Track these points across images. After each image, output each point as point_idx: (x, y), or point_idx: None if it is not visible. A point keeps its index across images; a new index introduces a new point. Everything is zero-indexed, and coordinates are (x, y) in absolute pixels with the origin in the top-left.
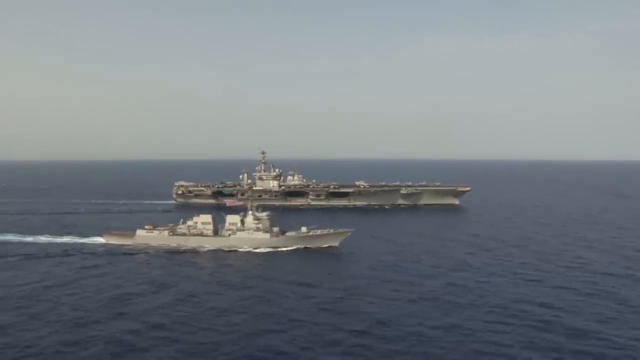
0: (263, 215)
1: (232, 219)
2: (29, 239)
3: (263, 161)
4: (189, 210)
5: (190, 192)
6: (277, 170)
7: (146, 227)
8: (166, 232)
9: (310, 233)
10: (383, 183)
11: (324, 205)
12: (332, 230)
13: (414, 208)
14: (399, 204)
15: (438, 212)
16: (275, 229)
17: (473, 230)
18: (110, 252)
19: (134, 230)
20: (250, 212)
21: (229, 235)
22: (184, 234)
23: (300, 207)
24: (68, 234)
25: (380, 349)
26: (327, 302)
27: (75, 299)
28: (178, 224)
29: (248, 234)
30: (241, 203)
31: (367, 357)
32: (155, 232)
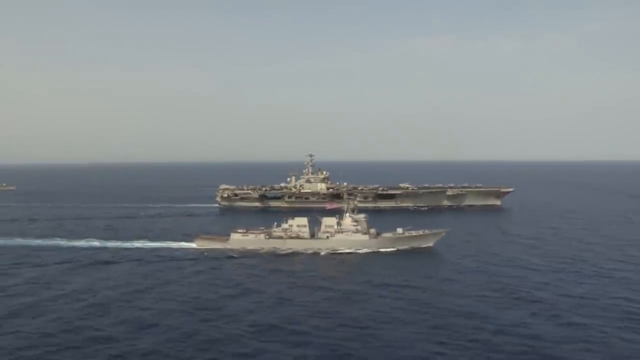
0: (361, 217)
1: (328, 222)
2: (95, 243)
3: (311, 164)
4: (234, 213)
5: (236, 195)
6: (324, 172)
7: (239, 230)
8: (262, 236)
9: (406, 234)
10: (426, 185)
11: (370, 207)
12: (427, 231)
13: (459, 209)
14: (444, 205)
15: (487, 213)
16: (372, 231)
17: (528, 231)
18: (206, 256)
19: (227, 234)
20: (347, 214)
21: (327, 237)
22: (280, 237)
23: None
24: (150, 239)
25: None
26: (432, 301)
27: (184, 304)
28: (272, 227)
29: (347, 235)
30: (339, 205)
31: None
32: (251, 236)
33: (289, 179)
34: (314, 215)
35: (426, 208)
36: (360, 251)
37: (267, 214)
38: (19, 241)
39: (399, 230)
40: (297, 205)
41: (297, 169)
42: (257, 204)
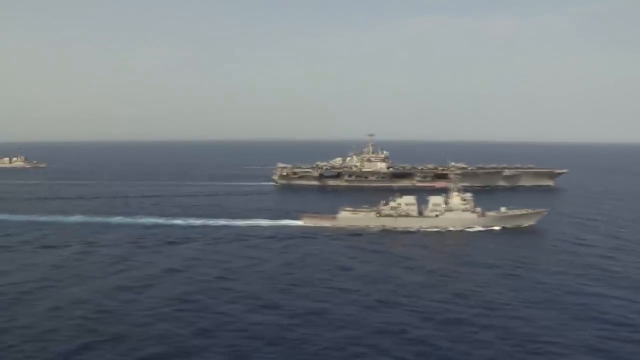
0: (468, 196)
1: (435, 200)
2: (178, 221)
3: (371, 143)
4: (291, 192)
5: (295, 173)
6: (384, 152)
7: (347, 208)
8: (373, 214)
9: (510, 213)
10: (480, 165)
11: (427, 186)
12: (530, 210)
13: (513, 189)
14: (499, 185)
15: (545, 192)
16: (479, 209)
17: (593, 210)
18: (316, 234)
19: (334, 213)
20: (455, 193)
21: (436, 215)
22: (390, 215)
23: (405, 188)
24: (252, 217)
25: None
26: (553, 280)
27: (303, 283)
28: (379, 205)
29: (456, 214)
30: (446, 185)
31: None
32: (361, 214)
33: (349, 158)
34: (422, 195)
35: (479, 188)
36: (468, 229)
37: (326, 193)
38: (97, 219)
39: (503, 209)
40: (356, 184)
41: (357, 148)
42: (315, 182)
